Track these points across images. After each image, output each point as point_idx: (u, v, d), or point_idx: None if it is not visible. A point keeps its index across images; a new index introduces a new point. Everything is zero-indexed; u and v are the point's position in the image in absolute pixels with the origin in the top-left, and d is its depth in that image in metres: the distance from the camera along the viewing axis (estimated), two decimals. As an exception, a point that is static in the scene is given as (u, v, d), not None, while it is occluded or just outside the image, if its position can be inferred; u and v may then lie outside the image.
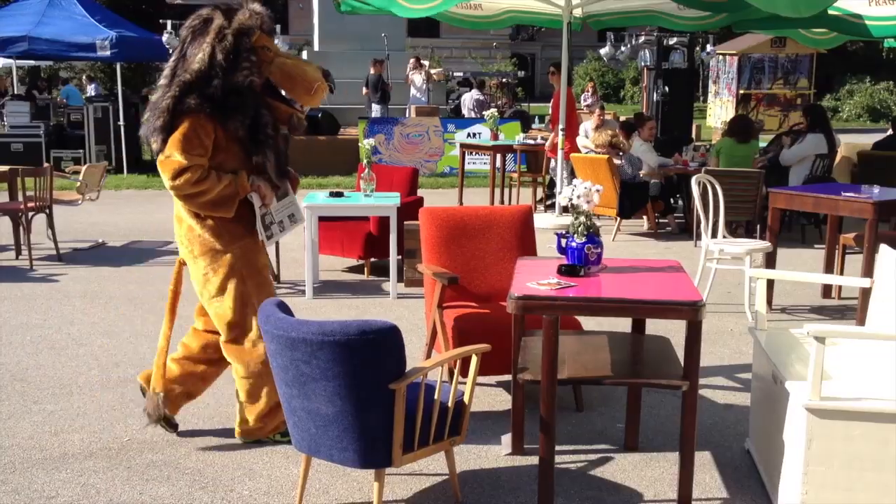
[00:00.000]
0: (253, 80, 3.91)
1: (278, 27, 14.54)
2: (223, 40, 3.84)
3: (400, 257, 7.33)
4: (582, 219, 3.91)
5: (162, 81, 3.96)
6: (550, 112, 11.64)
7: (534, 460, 4.03)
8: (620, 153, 9.91)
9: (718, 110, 24.11)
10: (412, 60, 19.19)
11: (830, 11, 8.61)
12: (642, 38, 15.04)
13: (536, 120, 17.88)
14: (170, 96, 3.85)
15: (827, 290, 7.34)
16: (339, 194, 7.39)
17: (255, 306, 4.06)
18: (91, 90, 21.80)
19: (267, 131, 4.00)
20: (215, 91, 3.84)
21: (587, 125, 12.15)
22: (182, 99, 3.84)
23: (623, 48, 14.84)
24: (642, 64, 15.76)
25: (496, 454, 4.22)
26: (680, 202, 10.71)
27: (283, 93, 4.17)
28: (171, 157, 3.88)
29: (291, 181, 4.29)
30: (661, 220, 10.43)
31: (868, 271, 6.08)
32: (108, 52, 13.95)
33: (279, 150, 4.11)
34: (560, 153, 10.58)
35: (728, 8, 9.23)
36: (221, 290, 4.10)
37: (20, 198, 8.32)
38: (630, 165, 9.78)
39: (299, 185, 4.42)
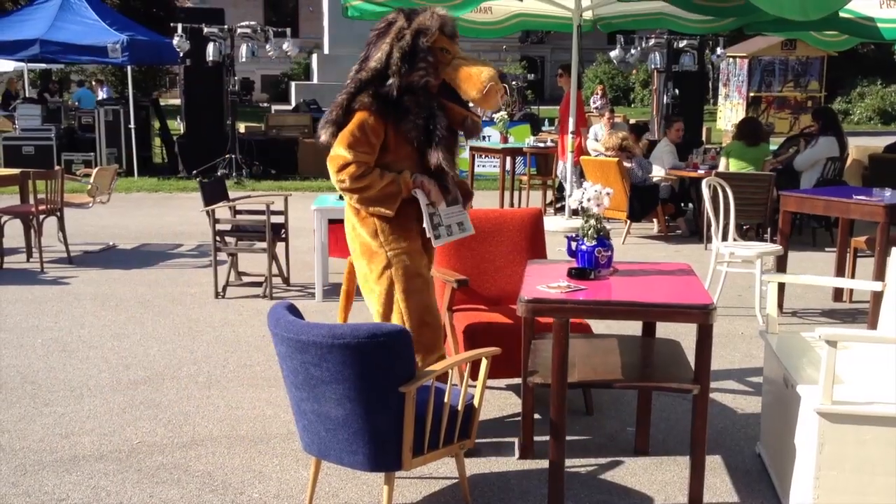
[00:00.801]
0: (429, 81, 3.91)
1: (288, 30, 14.71)
2: (401, 40, 3.88)
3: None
4: (592, 222, 3.91)
5: (347, 82, 4.03)
6: (559, 115, 11.61)
7: (543, 464, 4.02)
8: (631, 156, 9.88)
9: (728, 113, 24.04)
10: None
11: (841, 14, 8.58)
12: (652, 41, 14.96)
13: (546, 122, 17.86)
14: (345, 92, 3.94)
15: (838, 294, 7.31)
16: (349, 197, 7.38)
17: (408, 310, 4.10)
18: (102, 94, 21.90)
19: (440, 132, 3.96)
20: (390, 89, 3.88)
21: (597, 128, 12.13)
22: (356, 96, 3.92)
23: (633, 51, 14.75)
24: (652, 66, 15.68)
25: (506, 458, 4.21)
26: (690, 206, 10.68)
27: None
28: (337, 152, 3.95)
29: (463, 192, 4.26)
30: (670, 224, 10.41)
31: (879, 274, 6.05)
32: (119, 56, 14.01)
33: (453, 153, 4.07)
34: (569, 156, 10.58)
35: (736, 12, 9.20)
36: (374, 289, 4.16)
37: (31, 200, 8.36)
38: (641, 169, 9.76)
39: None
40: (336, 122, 3.95)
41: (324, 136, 3.98)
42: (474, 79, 3.87)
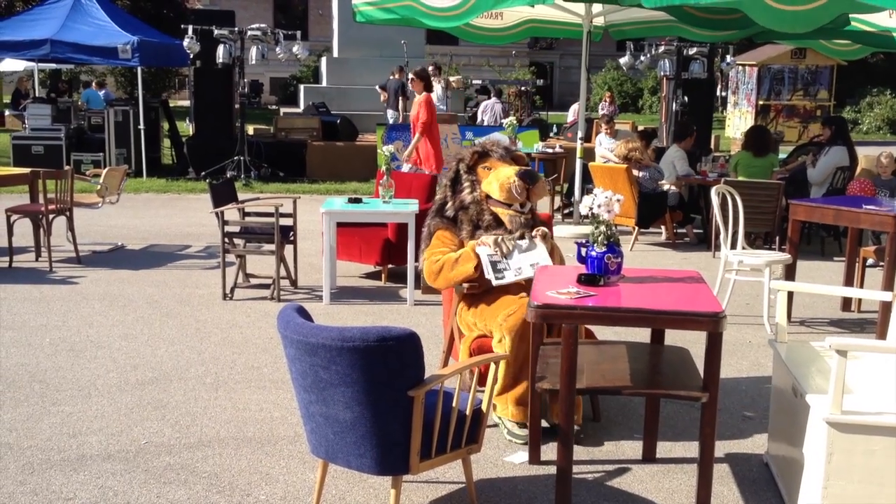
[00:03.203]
0: (475, 196, 4.81)
1: (298, 33, 14.73)
2: (449, 170, 4.93)
3: (417, 264, 7.32)
4: (602, 228, 3.90)
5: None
6: (411, 122, 11.27)
7: (551, 470, 4.02)
8: (640, 164, 9.86)
9: (737, 121, 24.03)
10: (430, 68, 19.20)
11: (853, 23, 8.56)
12: (662, 48, 14.94)
13: (554, 128, 17.85)
14: (426, 225, 4.94)
15: (847, 303, 7.29)
16: (358, 200, 7.40)
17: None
18: (102, 96, 22.01)
19: (489, 226, 4.77)
20: (448, 210, 4.87)
21: (601, 136, 12.16)
22: (430, 223, 4.93)
23: (642, 58, 14.75)
24: (661, 73, 15.69)
25: (513, 463, 4.21)
26: (698, 217, 10.65)
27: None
28: (423, 261, 4.84)
29: (542, 234, 4.75)
30: (678, 231, 10.39)
31: (889, 285, 6.04)
32: (129, 57, 14.05)
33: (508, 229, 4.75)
34: (578, 162, 10.60)
35: (738, 25, 9.16)
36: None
37: (41, 200, 8.38)
38: (651, 179, 9.74)
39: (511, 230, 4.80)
40: (427, 248, 4.87)
41: (422, 264, 4.86)
42: (495, 184, 4.71)
